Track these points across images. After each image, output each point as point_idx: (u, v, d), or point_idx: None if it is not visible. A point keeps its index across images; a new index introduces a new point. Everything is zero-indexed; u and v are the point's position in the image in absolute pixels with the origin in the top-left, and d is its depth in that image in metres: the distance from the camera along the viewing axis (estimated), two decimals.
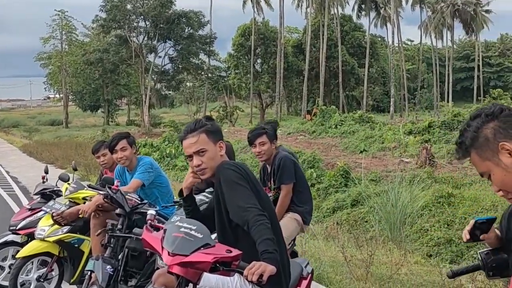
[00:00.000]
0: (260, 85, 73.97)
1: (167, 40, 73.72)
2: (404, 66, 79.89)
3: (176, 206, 6.27)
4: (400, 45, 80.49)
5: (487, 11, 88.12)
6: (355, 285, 7.49)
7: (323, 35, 69.63)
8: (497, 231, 2.90)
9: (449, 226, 16.33)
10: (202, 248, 3.15)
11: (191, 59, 75.29)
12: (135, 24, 71.50)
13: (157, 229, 3.68)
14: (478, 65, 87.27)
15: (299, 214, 6.08)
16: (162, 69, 76.29)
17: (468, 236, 2.80)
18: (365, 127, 40.23)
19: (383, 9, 78.57)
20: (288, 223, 5.89)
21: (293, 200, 6.10)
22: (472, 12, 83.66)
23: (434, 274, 9.44)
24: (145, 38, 72.78)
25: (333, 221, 18.87)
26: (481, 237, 2.82)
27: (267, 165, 6.25)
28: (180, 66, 75.98)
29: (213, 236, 3.47)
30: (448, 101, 75.65)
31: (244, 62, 74.81)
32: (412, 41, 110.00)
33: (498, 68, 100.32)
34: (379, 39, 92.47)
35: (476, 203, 17.04)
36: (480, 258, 2.86)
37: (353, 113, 47.89)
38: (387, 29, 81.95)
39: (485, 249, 2.85)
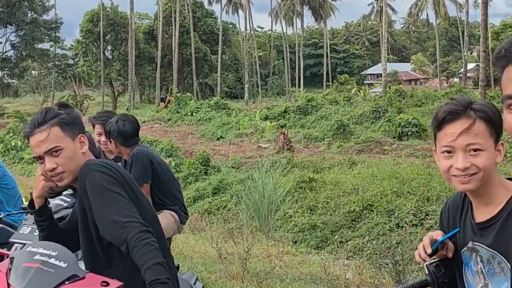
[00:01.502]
0: (111, 72, 71.49)
1: (8, 25, 69.05)
2: (257, 53, 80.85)
3: (25, 214, 5.03)
4: (251, 32, 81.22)
5: None
6: (232, 284, 6.86)
7: (175, 21, 68.43)
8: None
9: (312, 211, 16.28)
10: (67, 283, 2.31)
11: (35, 45, 71.12)
12: None
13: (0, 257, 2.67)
14: (326, 52, 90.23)
15: (175, 212, 5.29)
16: (4, 56, 71.43)
17: (425, 256, 2.22)
18: (221, 114, 40.05)
19: None
20: (165, 220, 5.00)
21: (163, 200, 5.28)
22: (320, 0, 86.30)
23: (308, 264, 9.11)
24: None
25: (194, 210, 18.19)
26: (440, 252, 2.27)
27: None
28: (23, 53, 71.52)
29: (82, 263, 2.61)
30: (299, 87, 77.68)
31: (94, 49, 71.85)
32: (263, 28, 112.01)
33: (344, 54, 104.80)
34: (231, 26, 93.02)
35: (337, 187, 17.14)
36: (428, 272, 2.27)
37: (209, 100, 47.56)
38: (238, 16, 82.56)
39: (434, 260, 2.26)
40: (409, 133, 26.78)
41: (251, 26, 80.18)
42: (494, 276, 2.10)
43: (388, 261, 5.43)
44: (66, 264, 2.35)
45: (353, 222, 15.06)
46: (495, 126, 2.11)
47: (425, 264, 2.28)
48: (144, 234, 2.48)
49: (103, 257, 2.69)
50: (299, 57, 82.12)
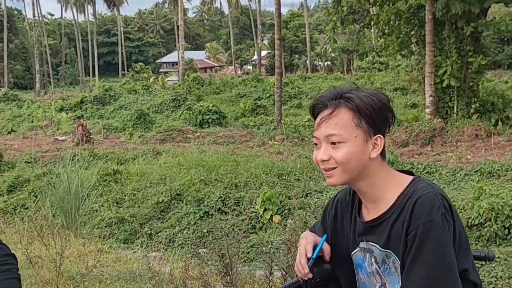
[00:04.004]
0: None
1: None
2: (47, 41, 76.93)
3: None
4: (40, 19, 77.02)
5: None
6: None
7: None
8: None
9: (119, 205, 15.81)
10: None
11: None
12: None
13: None
14: (120, 40, 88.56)
15: None
16: None
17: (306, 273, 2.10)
18: (11, 106, 37.61)
19: None
20: None
21: None
22: None
23: (123, 261, 8.80)
24: None
25: None
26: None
27: None
28: None
29: None
30: (93, 76, 75.45)
31: None
32: (53, 15, 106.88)
33: (138, 42, 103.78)
34: (16, 12, 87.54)
35: (143, 177, 16.81)
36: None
37: None
38: (24, 2, 77.76)
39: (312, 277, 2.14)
40: (210, 120, 27.15)
41: (39, 12, 76.03)
42: (390, 275, 2.02)
43: (215, 254, 5.33)
44: None
45: (162, 213, 14.86)
46: (365, 116, 1.97)
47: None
48: None
49: None
50: (92, 45, 79.70)
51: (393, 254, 1.99)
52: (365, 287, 2.12)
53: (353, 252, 2.14)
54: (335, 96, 1.99)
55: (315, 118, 2.05)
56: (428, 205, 1.90)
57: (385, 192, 2.02)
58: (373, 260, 2.06)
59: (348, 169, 1.97)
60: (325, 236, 2.15)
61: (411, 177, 2.05)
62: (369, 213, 2.07)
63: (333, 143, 1.96)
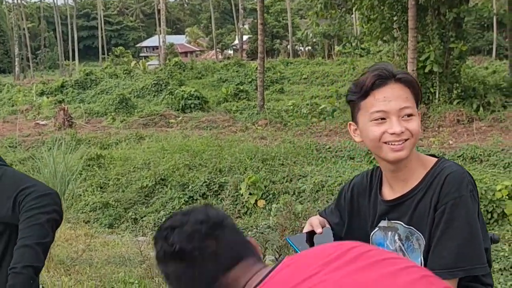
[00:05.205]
0: None
1: None
2: (25, 24, 75.89)
3: None
4: (18, 2, 75.99)
5: None
6: None
7: None
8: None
9: (103, 189, 15.81)
10: None
11: None
12: None
13: None
14: (100, 24, 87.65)
15: None
16: None
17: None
18: None
19: None
20: None
21: None
22: None
23: (111, 246, 8.84)
24: None
25: None
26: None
27: None
28: None
29: None
30: (73, 60, 74.67)
31: None
32: None
33: (118, 26, 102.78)
34: None
35: (127, 162, 16.80)
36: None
37: None
38: None
39: (296, 235, 2.22)
40: (192, 105, 27.08)
41: None
42: (413, 253, 2.09)
43: None
44: None
45: (147, 198, 14.89)
46: (417, 93, 2.09)
47: (287, 238, 2.26)
48: None
49: None
50: (71, 29, 78.67)
51: (417, 231, 2.06)
52: None
53: (372, 232, 2.20)
54: (391, 74, 2.06)
55: (367, 94, 2.08)
56: (458, 181, 1.99)
57: (415, 170, 2.10)
58: (396, 237, 2.13)
59: (416, 140, 2.07)
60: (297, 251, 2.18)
61: (435, 158, 2.14)
62: (394, 192, 2.14)
63: (408, 115, 2.03)
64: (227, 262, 1.52)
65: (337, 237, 2.24)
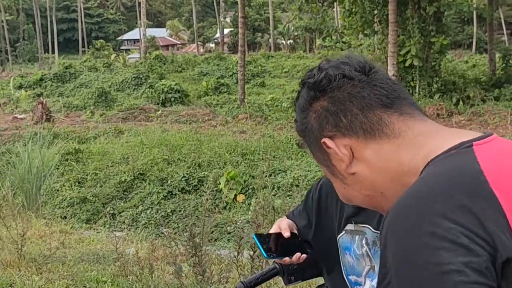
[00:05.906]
0: None
1: None
2: (4, 16, 74.94)
3: None
4: None
5: None
6: (8, 273, 6.19)
7: None
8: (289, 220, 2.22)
9: (81, 184, 15.63)
10: None
11: None
12: None
13: None
14: (80, 16, 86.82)
15: None
16: None
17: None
18: None
19: None
20: None
21: None
22: None
23: (86, 242, 8.69)
24: None
25: None
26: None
27: None
28: None
29: None
30: (53, 53, 73.96)
31: None
32: None
33: (98, 19, 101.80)
34: None
35: (105, 157, 16.62)
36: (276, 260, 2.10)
37: None
38: None
39: (263, 234, 2.10)
40: (172, 99, 26.88)
41: None
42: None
43: (181, 234, 5.28)
44: None
45: (125, 193, 14.73)
46: None
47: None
48: None
49: None
50: (51, 21, 77.88)
51: None
52: (353, 270, 2.08)
53: (339, 236, 2.10)
54: None
55: None
56: None
57: None
58: (363, 242, 2.02)
59: None
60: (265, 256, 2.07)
61: None
62: None
63: None
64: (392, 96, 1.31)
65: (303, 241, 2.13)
